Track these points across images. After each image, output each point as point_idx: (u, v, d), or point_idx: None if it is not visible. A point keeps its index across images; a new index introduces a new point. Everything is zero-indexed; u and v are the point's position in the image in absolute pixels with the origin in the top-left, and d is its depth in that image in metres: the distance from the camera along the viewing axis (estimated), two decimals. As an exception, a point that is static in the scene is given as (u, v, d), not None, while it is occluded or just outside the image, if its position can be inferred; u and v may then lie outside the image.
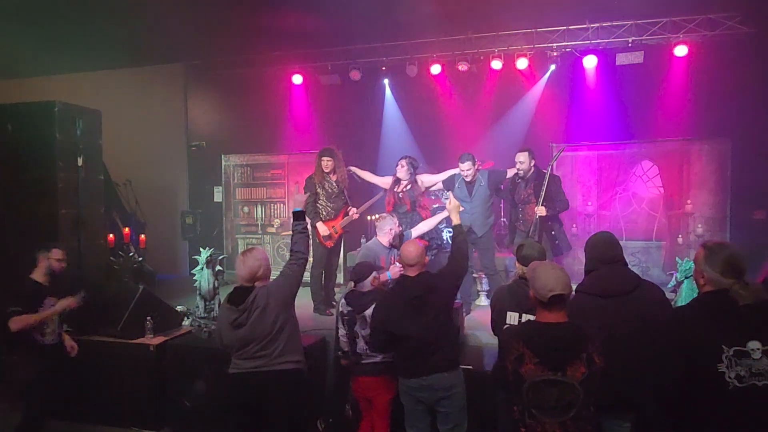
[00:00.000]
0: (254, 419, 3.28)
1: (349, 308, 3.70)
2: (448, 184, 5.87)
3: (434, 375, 3.29)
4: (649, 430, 2.72)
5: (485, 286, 6.36)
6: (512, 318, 3.26)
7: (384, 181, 5.94)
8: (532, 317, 3.04)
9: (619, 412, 2.78)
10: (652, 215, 7.14)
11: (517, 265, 3.41)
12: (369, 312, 3.57)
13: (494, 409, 3.50)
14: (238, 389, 3.29)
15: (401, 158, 5.72)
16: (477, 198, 5.63)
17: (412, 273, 3.38)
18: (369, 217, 7.83)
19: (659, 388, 2.38)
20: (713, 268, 2.30)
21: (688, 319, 2.34)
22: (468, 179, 5.64)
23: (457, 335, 3.50)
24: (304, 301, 5.78)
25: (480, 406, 3.66)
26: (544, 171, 5.45)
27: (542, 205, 5.26)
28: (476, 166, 5.64)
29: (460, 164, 5.60)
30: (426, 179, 5.88)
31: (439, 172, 8.00)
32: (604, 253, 2.95)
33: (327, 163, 5.80)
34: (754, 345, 2.15)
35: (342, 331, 3.78)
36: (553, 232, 5.44)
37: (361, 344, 3.65)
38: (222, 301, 3.38)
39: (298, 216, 3.56)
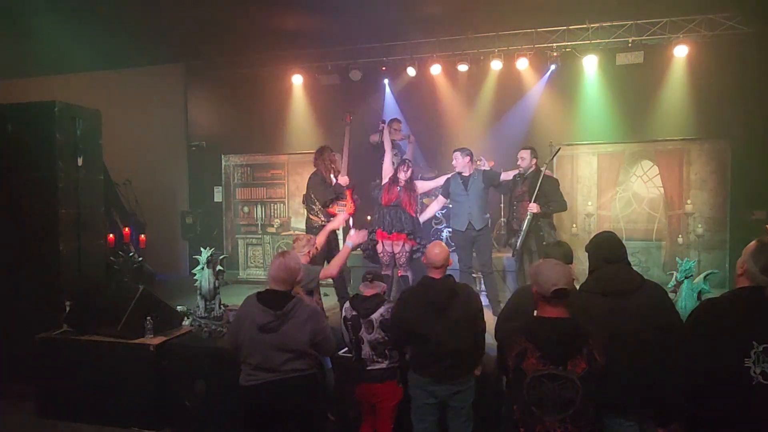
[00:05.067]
0: (271, 427, 3.18)
1: (354, 312, 3.65)
2: (445, 188, 5.98)
3: (452, 380, 3.33)
4: (656, 428, 2.72)
5: (484, 287, 6.36)
6: None
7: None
8: None
9: (623, 410, 2.77)
10: (652, 215, 7.14)
11: None
12: (375, 316, 3.54)
13: (499, 408, 3.50)
14: (256, 401, 3.14)
15: (404, 162, 5.90)
16: (473, 192, 5.74)
17: (436, 275, 3.36)
18: (368, 218, 7.83)
19: (681, 377, 2.37)
20: (755, 263, 2.29)
21: (721, 309, 2.34)
22: (457, 168, 5.78)
23: (481, 347, 3.45)
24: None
25: (481, 406, 3.65)
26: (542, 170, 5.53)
27: (535, 202, 5.34)
28: (469, 160, 5.78)
29: (455, 152, 5.80)
30: (420, 185, 6.05)
31: (437, 173, 8.13)
32: (608, 252, 2.95)
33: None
34: None
35: (347, 337, 3.73)
36: (541, 233, 5.45)
37: (366, 350, 3.58)
38: (249, 300, 3.19)
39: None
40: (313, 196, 5.88)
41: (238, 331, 3.18)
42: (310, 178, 6.02)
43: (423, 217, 6.07)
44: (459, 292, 3.35)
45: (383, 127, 6.53)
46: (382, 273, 4.95)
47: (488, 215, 5.98)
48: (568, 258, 3.30)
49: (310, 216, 5.93)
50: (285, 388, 3.09)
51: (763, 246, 2.33)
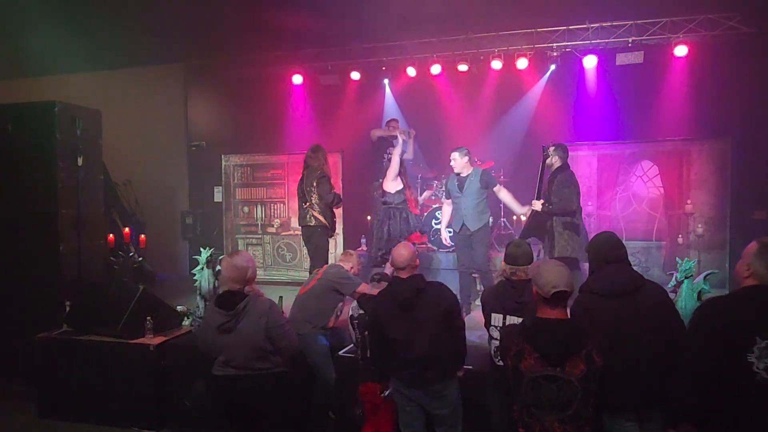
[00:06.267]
0: (246, 420, 3.23)
1: (360, 311, 3.67)
2: (445, 189, 5.98)
3: (426, 386, 3.25)
4: (657, 427, 2.72)
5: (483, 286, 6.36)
6: (496, 319, 3.22)
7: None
8: (516, 319, 3.05)
9: (623, 410, 2.77)
10: (652, 215, 7.13)
11: (502, 263, 3.35)
12: None
13: (490, 408, 3.49)
14: (227, 391, 3.22)
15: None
16: (468, 193, 5.65)
17: (403, 275, 3.31)
18: (368, 217, 7.83)
19: (689, 376, 2.38)
20: (762, 263, 2.33)
21: (724, 306, 2.38)
22: (455, 170, 5.72)
23: (459, 347, 3.35)
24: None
25: (478, 406, 3.64)
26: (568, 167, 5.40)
27: (538, 200, 5.25)
28: (468, 160, 5.74)
29: (452, 153, 5.74)
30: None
31: (437, 172, 8.21)
32: (609, 252, 2.94)
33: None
34: None
35: (353, 336, 3.74)
36: (552, 233, 5.29)
37: None
38: (210, 305, 3.31)
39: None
40: (322, 195, 5.78)
41: (204, 336, 3.29)
42: (316, 178, 5.76)
43: (442, 225, 6.10)
44: (426, 290, 3.25)
45: (393, 125, 6.59)
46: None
47: (488, 215, 5.91)
48: (528, 258, 3.24)
49: (314, 214, 5.80)
50: (250, 385, 3.16)
51: (765, 246, 2.35)
